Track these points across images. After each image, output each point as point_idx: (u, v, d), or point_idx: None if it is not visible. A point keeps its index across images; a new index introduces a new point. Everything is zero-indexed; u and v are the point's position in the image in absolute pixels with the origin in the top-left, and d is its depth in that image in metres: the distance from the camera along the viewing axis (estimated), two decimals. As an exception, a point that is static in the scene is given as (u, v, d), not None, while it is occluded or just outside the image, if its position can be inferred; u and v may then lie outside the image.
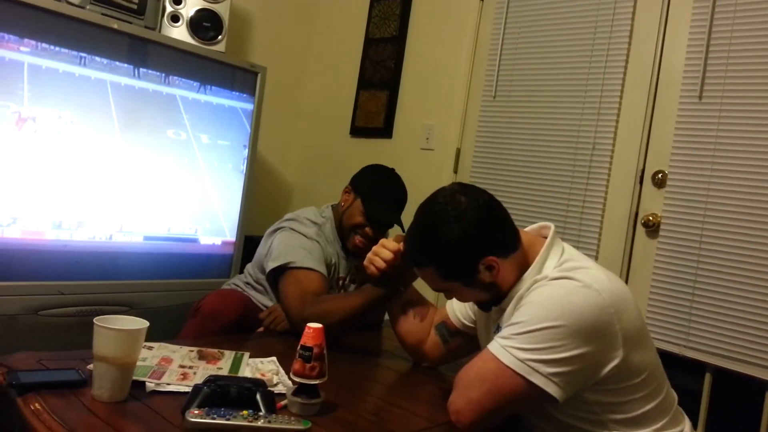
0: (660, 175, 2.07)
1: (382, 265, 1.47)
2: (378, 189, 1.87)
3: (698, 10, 2.00)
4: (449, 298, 1.38)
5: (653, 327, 1.99)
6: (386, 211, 1.85)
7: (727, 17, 1.95)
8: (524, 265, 1.23)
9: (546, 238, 1.27)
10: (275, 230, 1.85)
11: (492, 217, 1.23)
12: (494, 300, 1.27)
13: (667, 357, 1.64)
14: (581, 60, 2.28)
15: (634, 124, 2.15)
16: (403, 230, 1.80)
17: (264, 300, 1.86)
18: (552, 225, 1.30)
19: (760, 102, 1.87)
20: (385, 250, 1.48)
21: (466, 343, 1.48)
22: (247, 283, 1.91)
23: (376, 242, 1.66)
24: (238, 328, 1.71)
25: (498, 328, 1.23)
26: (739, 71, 1.91)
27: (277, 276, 1.74)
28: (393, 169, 1.96)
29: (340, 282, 1.91)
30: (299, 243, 1.77)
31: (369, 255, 1.51)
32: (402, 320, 1.55)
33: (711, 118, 1.95)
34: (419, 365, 1.58)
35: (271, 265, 1.73)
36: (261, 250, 1.87)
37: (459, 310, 1.49)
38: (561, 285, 1.12)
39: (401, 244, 1.44)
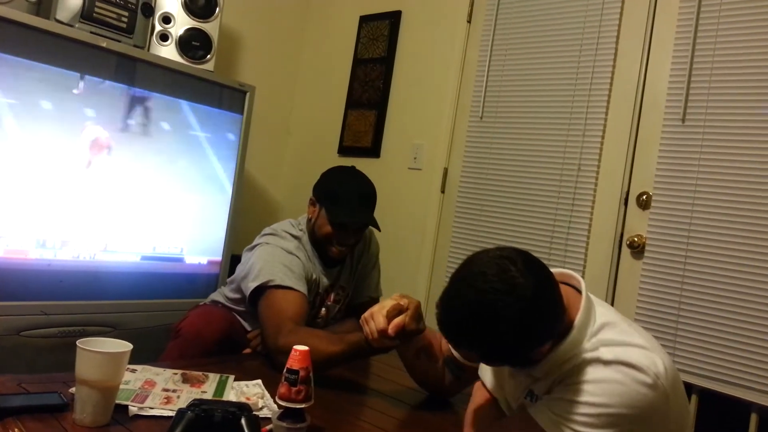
0: (644, 197, 2.09)
1: (374, 334, 1.37)
2: (339, 193, 1.77)
3: (681, 35, 2.04)
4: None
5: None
6: (352, 214, 1.73)
7: (708, 42, 1.98)
8: (562, 330, 1.08)
9: (572, 287, 1.14)
10: (254, 246, 1.78)
11: (549, 302, 1.03)
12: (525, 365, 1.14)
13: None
14: (567, 82, 2.31)
15: (619, 146, 2.17)
16: (377, 228, 1.80)
17: (243, 319, 1.80)
18: (581, 279, 1.16)
19: (742, 125, 1.90)
20: (380, 319, 1.36)
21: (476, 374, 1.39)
22: (229, 299, 1.84)
23: (354, 245, 1.67)
24: (222, 349, 1.67)
25: (532, 395, 1.14)
26: (721, 95, 1.95)
27: (257, 295, 1.65)
28: (352, 167, 1.87)
29: (321, 297, 1.85)
30: (279, 258, 1.69)
31: (365, 315, 1.40)
32: (416, 365, 1.50)
33: (694, 140, 1.98)
34: (407, 388, 1.57)
35: (251, 286, 1.65)
36: (240, 267, 1.78)
37: None
38: (620, 372, 1.00)
39: (407, 317, 1.36)
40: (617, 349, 1.04)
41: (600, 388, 1.01)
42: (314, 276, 1.78)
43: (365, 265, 1.99)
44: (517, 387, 1.21)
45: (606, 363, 1.02)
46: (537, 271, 1.02)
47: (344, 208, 1.73)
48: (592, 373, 1.03)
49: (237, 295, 1.77)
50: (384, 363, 1.80)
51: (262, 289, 1.64)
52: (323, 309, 1.87)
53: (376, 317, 1.37)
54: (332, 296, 1.89)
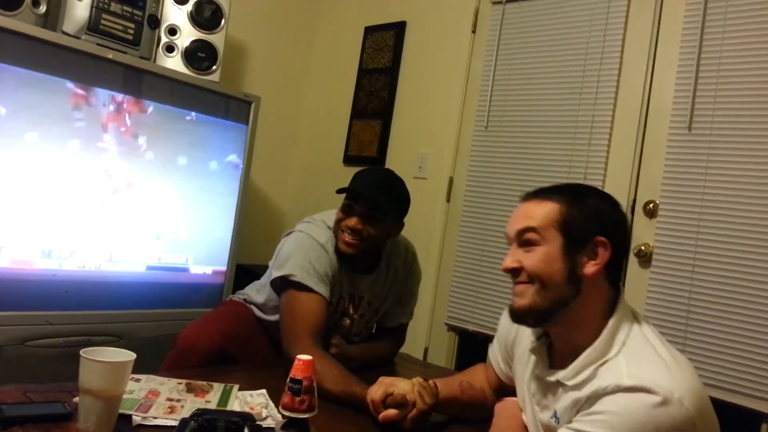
0: (651, 206, 2.08)
1: (371, 404, 1.32)
2: (355, 176, 1.70)
3: (686, 43, 2.04)
4: (526, 259, 1.10)
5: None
6: (360, 187, 1.64)
7: (714, 50, 1.98)
8: (597, 328, 1.07)
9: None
10: (291, 232, 1.73)
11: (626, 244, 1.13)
12: (547, 316, 1.09)
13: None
14: (572, 90, 2.30)
15: (625, 155, 2.16)
16: (382, 212, 1.61)
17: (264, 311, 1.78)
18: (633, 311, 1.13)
19: (749, 133, 1.89)
20: (377, 398, 1.31)
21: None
22: (262, 285, 1.79)
23: (362, 234, 1.60)
24: (218, 360, 1.63)
25: (556, 419, 1.09)
26: (727, 103, 1.94)
27: (279, 285, 1.64)
28: (387, 168, 1.78)
29: (345, 303, 1.75)
30: (307, 250, 1.63)
31: (382, 378, 1.36)
32: (467, 414, 1.43)
33: (700, 149, 1.97)
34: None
35: (274, 274, 1.64)
36: (275, 252, 1.74)
37: (499, 361, 1.38)
38: (640, 401, 0.95)
39: (403, 415, 1.30)
40: (633, 357, 1.02)
41: (623, 421, 0.96)
42: (340, 275, 1.70)
43: (404, 289, 1.88)
44: (530, 400, 1.18)
45: (626, 391, 0.97)
46: None
47: (356, 184, 1.67)
48: (616, 403, 0.97)
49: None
50: (387, 373, 1.79)
51: (284, 282, 1.62)
52: (347, 319, 1.77)
53: (377, 392, 1.32)
54: (359, 310, 1.78)
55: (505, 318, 1.33)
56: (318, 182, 3.22)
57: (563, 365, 1.09)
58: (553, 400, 1.11)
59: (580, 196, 1.12)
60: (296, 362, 1.12)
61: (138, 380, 1.31)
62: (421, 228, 2.72)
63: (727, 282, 1.87)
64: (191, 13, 2.45)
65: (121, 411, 1.10)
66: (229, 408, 1.24)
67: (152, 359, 1.68)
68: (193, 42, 2.46)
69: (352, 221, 1.63)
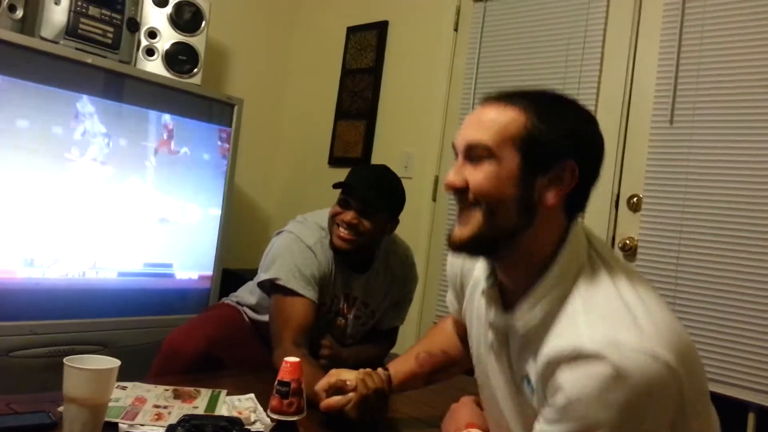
0: (635, 199, 2.10)
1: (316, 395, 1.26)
2: (352, 172, 1.70)
3: (666, 37, 2.05)
4: (473, 175, 0.91)
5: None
6: (356, 182, 1.63)
7: (694, 44, 1.99)
8: (547, 263, 0.90)
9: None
10: (281, 232, 1.73)
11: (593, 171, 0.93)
12: (492, 248, 0.93)
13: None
14: (555, 86, 2.29)
15: (608, 149, 2.15)
16: (378, 208, 1.61)
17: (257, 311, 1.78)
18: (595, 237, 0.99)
19: (730, 125, 1.91)
20: (320, 387, 1.26)
21: None
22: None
23: (357, 228, 1.58)
24: (204, 364, 1.61)
25: (530, 386, 0.90)
26: (708, 95, 1.96)
27: (269, 288, 1.65)
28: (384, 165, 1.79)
29: (339, 302, 1.74)
30: (293, 253, 1.64)
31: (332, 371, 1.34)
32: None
33: (682, 141, 1.98)
34: (402, 400, 1.55)
35: (262, 276, 1.65)
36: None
37: (456, 307, 1.25)
38: (604, 375, 0.77)
39: (345, 402, 1.24)
40: (601, 328, 0.82)
41: (590, 404, 0.79)
42: (332, 275, 1.69)
43: (402, 293, 1.88)
44: (492, 362, 1.01)
45: (590, 359, 0.79)
46: None
47: (352, 179, 1.66)
48: (579, 384, 0.80)
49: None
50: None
51: (272, 285, 1.62)
52: (341, 319, 1.76)
53: (321, 383, 1.28)
54: (353, 311, 1.77)
55: (450, 257, 1.20)
56: (303, 184, 3.20)
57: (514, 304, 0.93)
58: (520, 359, 0.94)
59: (553, 107, 0.92)
60: (284, 364, 1.12)
61: (124, 388, 1.29)
62: (408, 227, 2.70)
63: (711, 273, 1.89)
64: (171, 15, 2.43)
65: (107, 419, 1.09)
66: (217, 413, 1.23)
67: (139, 367, 1.66)
68: (174, 45, 2.44)
69: (348, 215, 1.62)
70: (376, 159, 2.90)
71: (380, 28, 2.95)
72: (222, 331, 1.72)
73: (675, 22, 2.03)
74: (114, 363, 1.07)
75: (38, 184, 2.00)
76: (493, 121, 0.91)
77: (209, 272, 2.48)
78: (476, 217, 0.90)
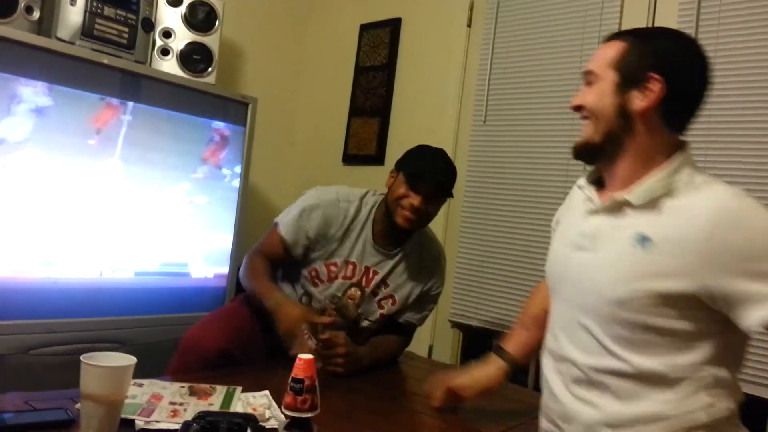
0: (652, 195, 2.07)
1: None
2: (418, 155, 1.79)
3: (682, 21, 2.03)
4: (585, 95, 1.18)
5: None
6: (429, 168, 1.72)
7: (710, 42, 1.97)
8: (654, 164, 1.11)
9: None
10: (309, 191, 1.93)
11: (699, 90, 1.12)
12: (600, 151, 1.15)
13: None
14: (569, 81, 2.29)
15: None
16: (446, 193, 1.74)
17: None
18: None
19: (747, 120, 1.88)
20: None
21: None
22: None
23: (421, 213, 1.70)
24: (221, 361, 1.64)
25: (643, 238, 1.06)
26: (722, 92, 1.93)
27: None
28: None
29: (358, 271, 1.79)
30: (300, 203, 1.85)
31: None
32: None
33: (698, 136, 1.95)
34: (415, 395, 1.55)
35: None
36: None
37: None
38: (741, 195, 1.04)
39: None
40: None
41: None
42: (343, 235, 1.79)
43: (427, 290, 1.89)
44: (615, 240, 1.12)
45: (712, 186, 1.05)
46: None
47: (423, 163, 1.75)
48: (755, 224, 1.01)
49: None
50: (392, 371, 1.79)
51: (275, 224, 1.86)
52: (357, 290, 1.79)
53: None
54: (371, 282, 1.79)
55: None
56: (317, 182, 3.18)
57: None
58: (624, 226, 1.10)
59: (648, 35, 1.17)
60: (297, 361, 1.12)
61: (140, 385, 1.31)
62: (422, 224, 2.71)
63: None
64: (185, 15, 2.45)
65: (123, 416, 1.10)
66: (232, 410, 1.24)
67: (155, 364, 1.67)
68: (188, 44, 2.45)
69: (417, 200, 1.70)
70: (390, 156, 2.90)
71: (393, 25, 2.95)
72: (238, 328, 1.75)
73: (690, 21, 2.01)
74: (130, 360, 1.09)
75: (56, 185, 2.02)
76: (601, 53, 1.16)
77: (225, 271, 2.50)
78: (588, 127, 1.15)
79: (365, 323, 1.82)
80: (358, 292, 1.80)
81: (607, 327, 1.07)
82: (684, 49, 1.13)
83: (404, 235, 1.81)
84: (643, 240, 1.05)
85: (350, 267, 1.79)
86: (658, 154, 1.11)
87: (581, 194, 1.23)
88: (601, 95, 1.12)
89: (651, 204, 1.07)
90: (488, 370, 1.41)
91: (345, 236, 1.78)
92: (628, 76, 1.10)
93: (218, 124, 2.48)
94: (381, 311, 1.83)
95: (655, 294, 1.02)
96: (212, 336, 1.67)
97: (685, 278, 1.00)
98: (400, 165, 1.79)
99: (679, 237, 1.02)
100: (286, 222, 1.81)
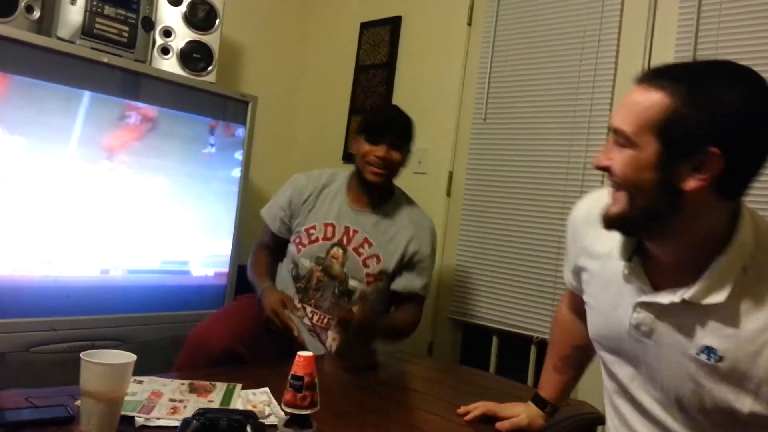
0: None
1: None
2: (373, 113, 2.07)
3: (682, 32, 2.03)
4: (614, 159, 0.94)
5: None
6: (382, 118, 1.97)
7: (710, 38, 1.97)
8: (718, 239, 0.90)
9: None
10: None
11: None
12: (642, 229, 0.95)
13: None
14: (570, 80, 2.29)
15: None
16: (406, 137, 1.93)
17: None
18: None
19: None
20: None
21: None
22: None
23: (386, 162, 1.85)
24: (227, 359, 1.66)
25: (713, 355, 0.91)
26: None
27: None
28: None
29: (327, 230, 1.93)
30: (281, 189, 2.06)
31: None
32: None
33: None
34: (415, 391, 1.55)
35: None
36: None
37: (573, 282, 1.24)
38: None
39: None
40: None
41: None
42: (316, 199, 1.97)
43: (411, 252, 1.95)
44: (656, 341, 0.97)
45: None
46: None
47: (379, 116, 2.01)
48: None
49: None
50: (391, 367, 1.79)
51: None
52: (339, 249, 1.91)
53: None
54: (352, 242, 1.90)
55: (572, 226, 1.20)
56: (318, 180, 3.21)
57: (675, 283, 0.92)
58: (688, 329, 0.92)
59: (706, 85, 0.85)
60: (297, 359, 1.13)
61: (140, 382, 1.31)
62: (423, 223, 2.71)
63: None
64: (185, 14, 2.45)
65: (123, 413, 1.10)
66: (232, 407, 1.24)
67: (155, 362, 1.67)
68: (188, 43, 2.45)
69: (381, 150, 1.87)
70: (391, 155, 2.90)
71: (393, 24, 2.95)
72: (245, 325, 1.78)
73: (691, 18, 2.00)
74: (130, 358, 1.09)
75: (55, 183, 2.02)
76: (636, 106, 0.89)
77: (225, 269, 2.50)
78: (621, 199, 0.93)
79: (352, 282, 1.89)
80: (340, 251, 1.90)
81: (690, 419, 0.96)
82: (749, 103, 0.84)
83: (379, 193, 1.94)
84: (710, 352, 0.91)
85: (329, 228, 1.92)
86: (715, 229, 0.91)
87: (618, 267, 1.03)
88: (638, 167, 0.88)
89: (724, 302, 0.88)
90: (530, 412, 1.36)
91: (319, 200, 1.95)
92: (677, 149, 0.86)
93: (219, 123, 2.48)
94: (367, 270, 1.89)
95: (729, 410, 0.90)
96: (218, 334, 1.70)
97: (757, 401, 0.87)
98: (360, 128, 1.98)
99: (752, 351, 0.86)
100: (265, 208, 2.06)
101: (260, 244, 2.09)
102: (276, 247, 2.05)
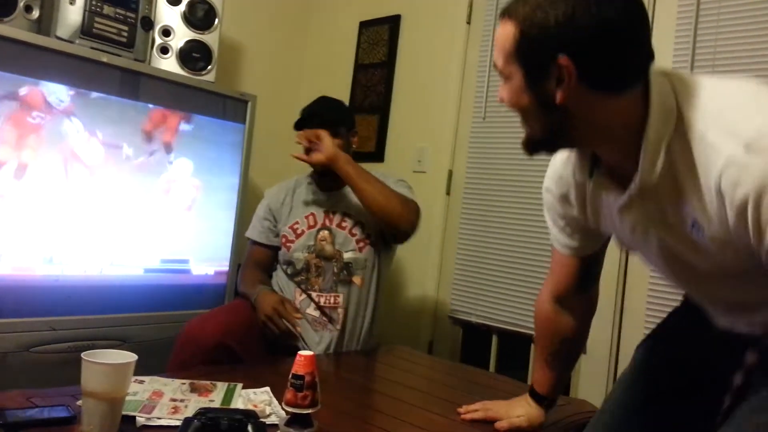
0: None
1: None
2: (301, 112, 2.15)
3: (681, 30, 2.03)
4: (502, 92, 1.00)
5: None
6: (305, 112, 2.12)
7: (709, 37, 1.97)
8: (638, 118, 0.90)
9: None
10: None
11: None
12: (553, 143, 1.00)
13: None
14: (568, 79, 2.29)
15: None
16: (333, 122, 2.05)
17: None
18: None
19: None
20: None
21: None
22: None
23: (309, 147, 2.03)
24: (220, 353, 1.70)
25: (695, 226, 0.90)
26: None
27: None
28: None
29: (316, 217, 2.05)
30: (258, 207, 2.20)
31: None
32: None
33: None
34: (416, 390, 1.55)
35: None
36: None
37: (561, 241, 1.24)
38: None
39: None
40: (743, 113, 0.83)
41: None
42: (291, 199, 2.12)
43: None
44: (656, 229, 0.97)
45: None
46: None
47: (303, 111, 2.14)
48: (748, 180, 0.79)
49: None
50: (392, 366, 1.79)
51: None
52: (324, 231, 2.03)
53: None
54: (334, 221, 2.04)
55: (544, 194, 1.24)
56: (318, 179, 3.21)
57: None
58: (668, 214, 0.94)
59: (537, 6, 0.88)
60: (297, 358, 1.13)
61: (141, 382, 1.31)
62: (422, 222, 2.71)
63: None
64: (184, 13, 2.44)
65: (125, 412, 1.11)
66: (232, 406, 1.25)
67: (156, 361, 1.68)
68: (188, 42, 2.45)
69: (309, 136, 2.02)
70: (390, 153, 2.90)
71: (392, 23, 2.94)
72: (237, 321, 1.82)
73: (690, 17, 2.01)
74: (131, 357, 1.09)
75: (54, 183, 2.02)
76: (498, 41, 0.95)
77: (225, 268, 2.50)
78: (524, 125, 1.00)
79: (347, 255, 2.01)
80: (326, 232, 2.03)
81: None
82: (577, 7, 0.86)
83: (333, 174, 2.01)
84: (693, 223, 0.91)
85: (311, 217, 2.05)
86: (627, 119, 0.91)
87: (585, 182, 1.07)
88: (516, 95, 0.95)
89: (671, 177, 0.89)
90: (530, 412, 1.38)
91: (294, 199, 2.10)
92: (535, 69, 0.90)
93: (217, 122, 2.48)
94: (355, 238, 2.03)
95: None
96: (210, 328, 1.74)
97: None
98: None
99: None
100: (249, 229, 2.19)
101: (246, 264, 2.16)
102: (266, 261, 2.13)
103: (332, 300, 1.97)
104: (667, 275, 1.10)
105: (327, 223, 2.05)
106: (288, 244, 2.05)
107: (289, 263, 2.05)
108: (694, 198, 0.87)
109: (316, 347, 1.87)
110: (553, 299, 1.33)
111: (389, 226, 1.95)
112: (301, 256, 2.02)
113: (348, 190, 2.03)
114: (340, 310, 1.97)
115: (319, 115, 2.06)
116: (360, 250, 2.03)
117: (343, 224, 2.04)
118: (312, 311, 1.96)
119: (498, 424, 1.35)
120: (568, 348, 1.37)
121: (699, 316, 1.12)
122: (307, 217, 2.06)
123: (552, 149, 1.04)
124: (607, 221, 1.08)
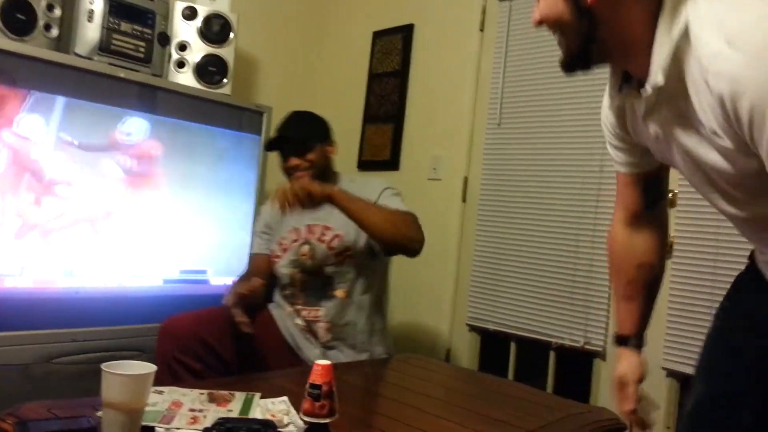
0: (670, 195, 2.05)
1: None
2: (274, 131, 2.15)
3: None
4: (536, 11, 1.06)
5: (672, 349, 1.95)
6: (276, 132, 2.12)
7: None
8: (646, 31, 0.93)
9: None
10: None
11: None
12: (588, 57, 1.03)
13: (689, 379, 1.60)
14: (584, 83, 2.28)
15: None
16: (301, 141, 2.03)
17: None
18: None
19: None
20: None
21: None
22: None
23: (300, 168, 2.00)
24: (196, 344, 1.79)
25: (704, 126, 0.90)
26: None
27: None
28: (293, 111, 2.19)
29: (300, 232, 2.06)
30: (255, 224, 2.26)
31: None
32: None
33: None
34: (433, 398, 1.55)
35: None
36: None
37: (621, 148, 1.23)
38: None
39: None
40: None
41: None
42: (281, 217, 2.05)
43: (376, 201, 2.00)
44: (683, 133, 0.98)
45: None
46: None
47: (273, 136, 2.15)
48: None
49: None
50: (409, 375, 1.79)
51: None
52: (306, 246, 2.04)
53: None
54: (315, 234, 2.03)
55: (603, 108, 1.24)
56: (333, 189, 3.22)
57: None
58: (688, 121, 0.95)
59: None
60: (315, 367, 1.13)
61: (161, 392, 1.32)
62: (438, 229, 2.71)
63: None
64: (200, 28, 2.48)
65: (144, 423, 1.11)
66: (251, 416, 1.25)
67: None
68: (204, 57, 2.48)
69: (292, 162, 2.02)
70: (405, 162, 2.91)
71: (406, 32, 2.96)
72: (210, 315, 1.89)
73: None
74: (150, 368, 1.10)
75: (75, 196, 2.05)
76: None
77: (243, 278, 2.52)
78: (561, 40, 1.03)
79: (328, 269, 2.00)
80: (307, 247, 2.03)
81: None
82: None
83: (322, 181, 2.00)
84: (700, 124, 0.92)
85: (294, 233, 2.07)
86: (646, 27, 0.94)
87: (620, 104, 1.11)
88: (550, 4, 1.00)
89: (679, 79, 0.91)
90: (631, 359, 1.30)
91: (282, 212, 2.00)
92: None
93: (234, 134, 2.51)
94: (334, 251, 2.00)
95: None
96: (186, 321, 1.85)
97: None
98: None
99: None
100: (253, 247, 2.21)
101: (251, 273, 2.11)
102: (266, 267, 2.11)
103: (314, 314, 1.99)
104: (696, 187, 1.09)
105: (308, 236, 2.05)
106: (275, 260, 2.09)
107: (278, 277, 2.10)
108: (698, 98, 0.89)
109: (310, 359, 1.88)
110: (624, 223, 1.30)
111: (401, 250, 1.92)
112: (287, 271, 2.05)
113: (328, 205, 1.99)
114: (321, 324, 1.97)
115: (285, 138, 2.07)
116: (341, 263, 2.00)
117: (324, 237, 2.03)
118: (300, 322, 2.01)
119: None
120: (645, 273, 1.31)
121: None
122: (290, 232, 2.08)
123: (586, 65, 1.05)
124: (642, 135, 1.11)
